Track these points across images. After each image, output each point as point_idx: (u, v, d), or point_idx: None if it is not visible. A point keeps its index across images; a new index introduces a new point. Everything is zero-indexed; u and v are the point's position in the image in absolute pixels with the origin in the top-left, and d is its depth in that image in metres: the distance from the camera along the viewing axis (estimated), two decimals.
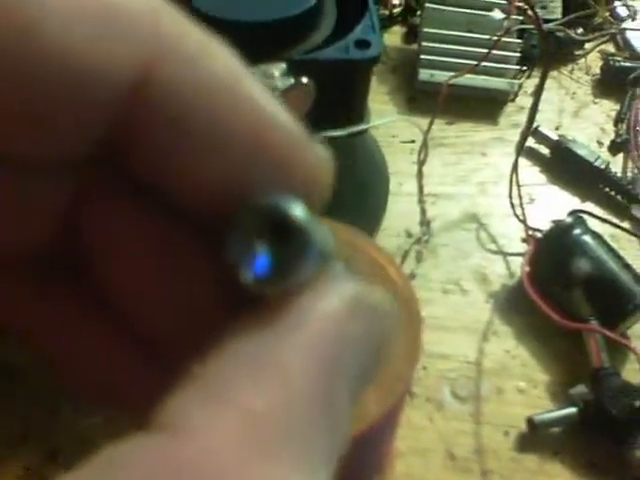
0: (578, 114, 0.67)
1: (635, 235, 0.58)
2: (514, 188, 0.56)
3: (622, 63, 0.69)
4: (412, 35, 0.71)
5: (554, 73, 0.70)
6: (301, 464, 0.12)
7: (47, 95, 0.13)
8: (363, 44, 0.43)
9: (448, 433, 0.47)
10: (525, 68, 0.68)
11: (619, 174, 0.61)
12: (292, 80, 0.39)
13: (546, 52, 0.57)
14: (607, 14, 0.72)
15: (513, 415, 0.48)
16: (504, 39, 0.62)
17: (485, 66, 0.62)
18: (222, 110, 0.14)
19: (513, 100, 0.67)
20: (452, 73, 0.61)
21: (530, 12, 0.56)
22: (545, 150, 0.63)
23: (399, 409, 0.36)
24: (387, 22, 0.72)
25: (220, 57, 0.14)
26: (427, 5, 0.66)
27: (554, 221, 0.54)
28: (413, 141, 0.62)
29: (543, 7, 0.70)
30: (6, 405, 0.45)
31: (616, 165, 0.63)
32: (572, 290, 0.51)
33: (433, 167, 0.61)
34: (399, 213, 0.58)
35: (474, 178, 0.62)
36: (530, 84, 0.68)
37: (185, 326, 0.16)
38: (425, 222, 0.57)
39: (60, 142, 0.14)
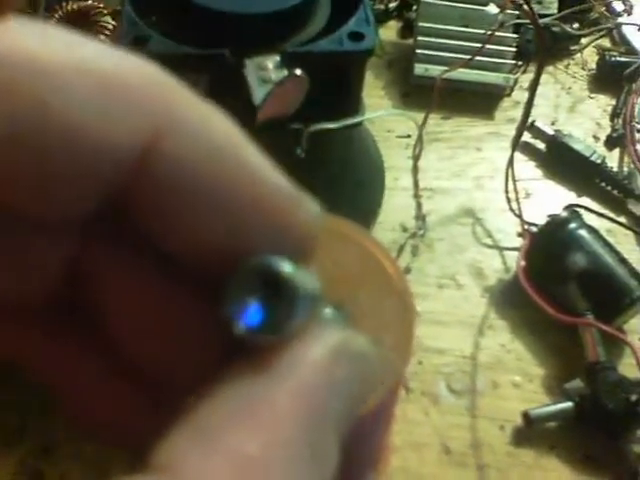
0: (574, 109, 0.67)
1: (631, 229, 0.58)
2: (510, 183, 0.56)
3: (618, 58, 0.69)
4: (408, 30, 0.71)
5: (550, 68, 0.70)
6: None
7: (53, 165, 0.13)
8: (357, 36, 0.43)
9: (444, 427, 0.47)
10: (521, 63, 0.68)
11: (615, 169, 0.61)
12: (286, 72, 0.39)
13: (542, 47, 0.57)
14: (603, 9, 0.72)
15: (509, 409, 0.48)
16: (500, 34, 0.62)
17: (481, 61, 0.62)
18: (223, 178, 0.15)
19: (509, 95, 0.67)
20: (448, 68, 0.61)
21: (526, 6, 0.56)
22: (541, 145, 0.63)
23: (392, 403, 0.36)
24: (383, 17, 0.72)
25: (222, 128, 0.15)
26: (423, 0, 0.66)
27: (550, 216, 0.54)
28: (409, 136, 0.62)
29: (539, 2, 0.70)
30: (2, 401, 0.45)
31: (612, 160, 0.62)
32: (568, 284, 0.51)
33: (429, 162, 0.61)
34: (395, 207, 0.58)
35: (470, 173, 0.62)
36: (526, 79, 0.68)
37: (184, 371, 0.17)
38: (421, 216, 0.57)
39: (63, 206, 0.14)
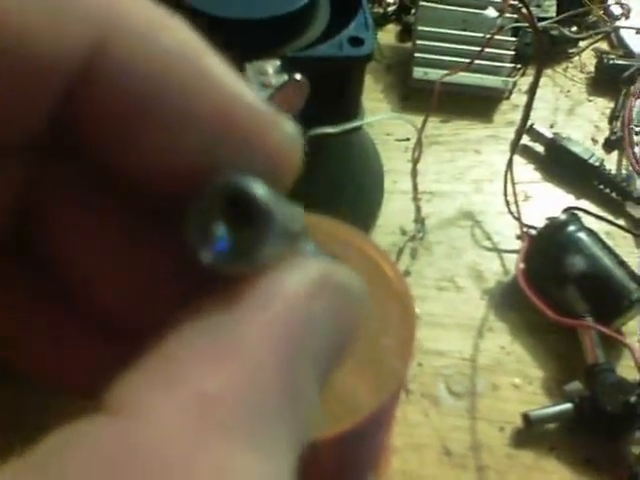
0: (572, 112, 0.68)
1: (629, 232, 0.58)
2: (509, 185, 0.56)
3: (616, 61, 0.69)
4: (406, 33, 0.71)
5: (548, 71, 0.70)
6: (261, 449, 0.12)
7: None
8: (356, 41, 0.43)
9: (443, 429, 0.47)
10: (519, 66, 0.69)
11: (613, 171, 0.62)
12: (286, 77, 0.39)
13: (540, 50, 0.57)
14: (601, 12, 0.72)
15: (508, 411, 0.48)
16: (498, 37, 0.62)
17: (479, 64, 0.62)
18: (182, 87, 0.13)
19: (508, 98, 0.67)
20: (446, 71, 0.61)
21: (524, 10, 0.56)
22: (540, 148, 0.64)
23: (393, 405, 0.37)
24: (382, 20, 0.72)
25: (175, 31, 0.14)
26: (421, 3, 0.67)
27: (549, 218, 0.54)
28: (408, 139, 0.62)
29: (537, 5, 0.70)
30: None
31: (610, 162, 0.63)
32: (567, 287, 0.51)
33: (428, 165, 0.61)
34: (394, 211, 0.58)
35: (469, 176, 0.62)
36: (524, 82, 0.68)
37: (143, 307, 0.15)
38: (420, 219, 0.57)
39: (9, 120, 0.13)
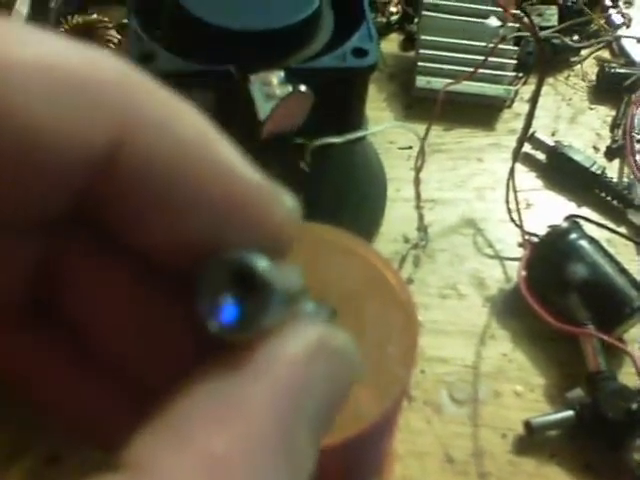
0: (574, 120, 0.68)
1: (631, 240, 0.58)
2: (511, 193, 0.56)
3: (617, 69, 0.70)
4: (409, 42, 0.71)
5: (550, 80, 0.70)
6: None
7: (9, 170, 0.13)
8: (360, 52, 0.43)
9: (446, 436, 0.47)
10: (521, 75, 0.69)
11: (615, 179, 0.62)
12: (290, 88, 0.40)
13: (542, 59, 0.57)
14: (602, 21, 0.73)
15: (510, 418, 0.48)
16: (500, 46, 0.62)
17: (482, 73, 0.63)
18: (192, 173, 0.14)
19: (509, 106, 0.68)
20: (449, 80, 0.62)
21: (526, 19, 0.57)
22: (541, 156, 0.64)
23: (396, 412, 0.37)
24: (384, 30, 0.72)
25: (188, 121, 0.15)
26: (424, 13, 0.67)
27: (551, 226, 0.54)
28: (410, 147, 0.63)
29: (539, 15, 0.71)
30: (6, 410, 0.45)
31: (612, 170, 0.63)
32: (569, 294, 0.51)
33: (430, 173, 0.61)
34: (397, 219, 0.58)
35: (471, 184, 0.62)
36: (526, 90, 0.69)
37: (160, 370, 0.16)
38: (422, 227, 0.58)
39: (26, 208, 0.14)
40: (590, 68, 0.72)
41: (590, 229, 0.55)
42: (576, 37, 0.71)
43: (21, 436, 0.45)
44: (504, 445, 0.47)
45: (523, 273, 0.53)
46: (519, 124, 0.63)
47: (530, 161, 0.64)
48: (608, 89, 0.69)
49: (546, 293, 0.52)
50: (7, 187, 0.13)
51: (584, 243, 0.53)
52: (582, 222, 0.55)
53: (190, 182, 0.14)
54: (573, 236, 0.53)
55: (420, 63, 0.66)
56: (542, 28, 0.68)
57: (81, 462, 0.44)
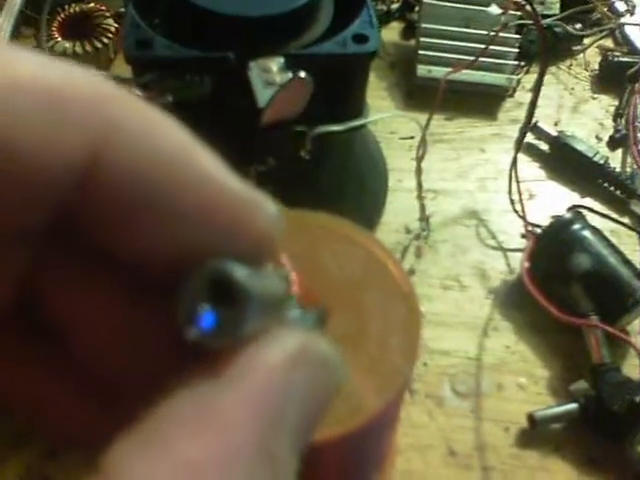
0: (577, 109, 0.67)
1: (634, 230, 0.58)
2: (513, 184, 0.56)
3: (621, 58, 0.69)
4: (410, 31, 0.71)
5: (552, 69, 0.70)
6: None
7: None
8: (361, 39, 0.43)
9: (448, 429, 0.47)
10: (523, 64, 0.68)
11: (618, 169, 0.61)
12: (290, 74, 0.39)
13: (544, 48, 0.57)
14: (605, 9, 0.72)
15: (513, 411, 0.48)
16: (502, 35, 0.62)
17: (483, 62, 0.62)
18: (171, 184, 0.15)
19: (512, 96, 0.67)
20: (451, 69, 0.61)
21: (528, 7, 0.56)
22: (544, 146, 0.63)
23: (398, 405, 0.36)
24: (385, 18, 0.72)
25: (167, 132, 0.15)
26: (425, 1, 0.66)
27: (553, 217, 0.54)
28: (412, 137, 0.62)
29: (541, 2, 0.70)
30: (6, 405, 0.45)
31: (615, 160, 0.62)
32: (572, 285, 0.51)
33: (432, 163, 0.61)
34: (398, 209, 0.58)
35: (473, 174, 0.62)
36: (529, 80, 0.68)
37: (141, 378, 0.17)
38: (424, 218, 0.57)
39: (12, 218, 0.14)
40: (593, 57, 0.71)
41: (593, 219, 0.55)
42: (579, 25, 0.71)
43: (20, 430, 0.44)
44: (507, 438, 0.47)
45: (526, 264, 0.52)
46: (521, 113, 0.62)
47: (533, 151, 0.63)
48: (611, 78, 0.69)
49: (549, 284, 0.51)
50: None
51: (587, 234, 0.52)
52: (585, 212, 0.55)
53: (170, 192, 0.15)
54: (576, 227, 0.52)
55: (421, 52, 0.65)
56: (544, 16, 0.67)
57: (80, 457, 0.44)
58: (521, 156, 0.58)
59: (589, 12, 0.71)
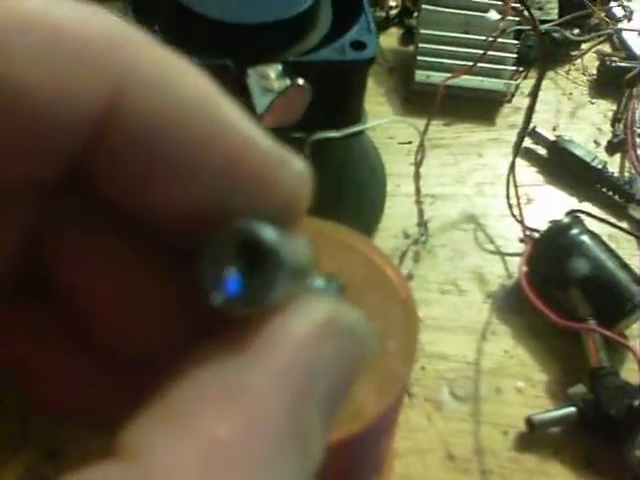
0: (575, 114, 0.67)
1: (633, 235, 0.58)
2: (511, 188, 0.56)
3: (618, 63, 0.69)
4: (409, 37, 0.71)
5: (551, 74, 0.70)
6: None
7: (10, 127, 0.12)
8: (359, 45, 0.43)
9: (447, 433, 0.47)
10: (521, 69, 0.68)
11: (616, 174, 0.62)
12: (288, 81, 0.40)
13: (542, 53, 0.57)
14: (603, 14, 0.72)
15: (512, 415, 0.48)
16: (500, 40, 0.62)
17: (482, 67, 0.62)
18: (194, 135, 0.14)
19: (510, 101, 0.67)
20: (449, 74, 0.61)
21: (526, 13, 0.56)
22: (542, 150, 0.63)
23: (397, 409, 0.36)
24: (384, 24, 0.72)
25: (189, 79, 0.14)
26: (423, 7, 0.66)
27: (551, 221, 0.54)
28: (410, 142, 0.62)
29: (539, 8, 0.70)
30: (6, 406, 0.45)
31: (613, 165, 0.63)
32: (570, 290, 0.51)
33: (430, 168, 0.61)
34: (396, 214, 0.58)
35: (471, 179, 0.62)
36: (527, 85, 0.68)
37: (159, 348, 0.16)
38: (422, 223, 0.57)
39: (24, 170, 0.13)
40: (591, 62, 0.71)
41: (591, 224, 0.55)
42: (577, 30, 0.71)
43: (21, 431, 0.45)
44: (505, 442, 0.47)
45: (524, 269, 0.52)
46: (519, 118, 0.63)
47: (531, 156, 0.63)
48: (609, 83, 0.69)
49: (547, 289, 0.51)
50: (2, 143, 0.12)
51: (585, 238, 0.52)
52: (583, 217, 0.55)
53: (192, 144, 0.13)
54: (574, 231, 0.53)
55: (419, 57, 0.66)
56: (542, 22, 0.68)
57: (81, 458, 0.44)
58: (519, 161, 0.59)
59: (587, 17, 0.72)
